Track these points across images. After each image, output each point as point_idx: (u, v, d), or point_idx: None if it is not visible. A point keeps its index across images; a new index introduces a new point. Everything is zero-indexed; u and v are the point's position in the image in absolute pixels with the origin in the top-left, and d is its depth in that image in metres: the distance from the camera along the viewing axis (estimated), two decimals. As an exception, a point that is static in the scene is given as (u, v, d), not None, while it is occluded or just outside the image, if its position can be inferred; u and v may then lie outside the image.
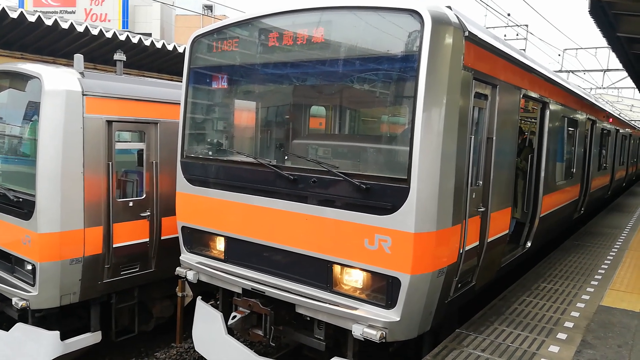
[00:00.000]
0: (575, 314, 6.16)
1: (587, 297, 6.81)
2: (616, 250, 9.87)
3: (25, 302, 6.18)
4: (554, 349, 5.11)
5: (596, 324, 5.87)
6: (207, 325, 6.20)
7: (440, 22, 4.44)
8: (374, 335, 4.51)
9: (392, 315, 4.60)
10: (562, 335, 5.46)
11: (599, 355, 5.03)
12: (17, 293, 6.28)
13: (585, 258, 9.08)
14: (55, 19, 8.88)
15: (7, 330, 6.45)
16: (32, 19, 8.52)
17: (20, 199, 6.37)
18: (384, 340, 4.54)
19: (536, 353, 5.00)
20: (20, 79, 6.75)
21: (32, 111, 6.46)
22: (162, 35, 37.29)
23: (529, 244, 7.86)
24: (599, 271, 8.19)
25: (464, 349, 5.05)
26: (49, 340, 6.38)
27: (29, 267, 6.31)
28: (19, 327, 6.42)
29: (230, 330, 5.90)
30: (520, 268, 8.23)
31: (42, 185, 6.07)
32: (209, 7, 44.46)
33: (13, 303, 6.21)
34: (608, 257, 9.19)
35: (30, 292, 6.23)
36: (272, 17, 5.48)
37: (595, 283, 7.51)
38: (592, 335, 5.51)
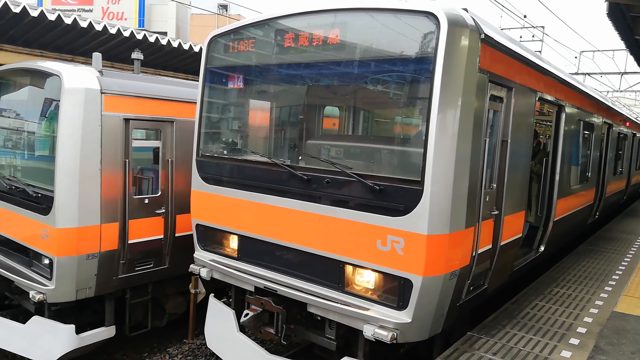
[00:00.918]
0: (589, 319, 6.11)
1: (601, 303, 6.75)
2: (631, 256, 9.74)
3: (42, 295, 6.29)
4: (566, 354, 5.08)
5: (609, 330, 5.82)
6: (220, 322, 6.26)
7: (456, 25, 4.45)
8: (385, 336, 4.53)
9: (404, 316, 4.61)
10: (574, 341, 5.42)
11: (612, 361, 5.00)
12: (35, 286, 6.40)
13: (600, 263, 8.98)
14: (75, 17, 9.02)
15: (24, 322, 6.58)
16: (52, 17, 8.66)
17: (39, 195, 6.49)
18: (395, 342, 4.55)
19: (548, 358, 4.97)
20: (40, 77, 6.88)
21: (52, 108, 6.58)
22: (178, 34, 37.61)
23: (542, 248, 7.81)
24: (613, 277, 8.10)
25: (475, 352, 5.04)
26: (64, 334, 6.49)
27: (47, 261, 6.42)
28: (36, 320, 6.55)
29: (242, 328, 5.95)
30: (534, 272, 8.18)
31: (61, 181, 6.18)
32: (224, 7, 44.70)
33: (30, 296, 6.33)
34: (622, 263, 9.08)
35: (47, 285, 6.34)
36: (288, 18, 5.53)
37: (609, 289, 7.43)
38: (605, 341, 5.46)
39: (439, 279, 4.59)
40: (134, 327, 7.48)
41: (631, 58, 12.85)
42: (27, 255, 6.85)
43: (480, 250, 5.24)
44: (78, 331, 6.61)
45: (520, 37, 21.88)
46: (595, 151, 10.49)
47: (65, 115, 6.18)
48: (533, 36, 22.83)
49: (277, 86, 6.27)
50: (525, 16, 20.97)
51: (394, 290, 4.70)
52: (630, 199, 18.73)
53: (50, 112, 6.67)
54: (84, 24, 9.09)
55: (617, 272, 8.44)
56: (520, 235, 6.54)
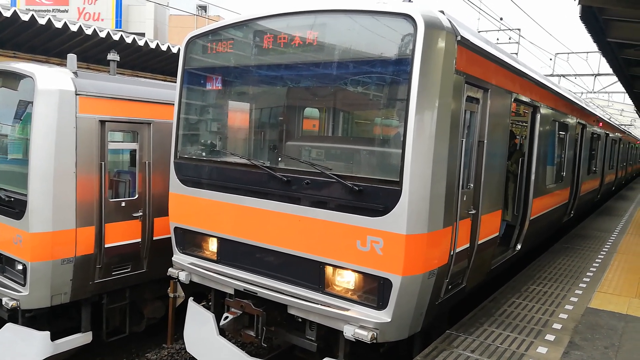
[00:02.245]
0: (564, 315, 6.24)
1: (576, 300, 6.90)
2: (604, 253, 9.99)
3: (15, 302, 6.14)
4: (542, 350, 5.17)
5: (584, 325, 5.95)
6: (199, 326, 6.20)
7: (433, 27, 4.50)
8: (365, 336, 4.54)
9: (383, 316, 4.64)
10: (550, 337, 5.53)
11: (586, 356, 5.11)
12: (8, 293, 6.25)
13: (574, 261, 9.18)
14: (49, 18, 8.84)
15: (-3, 330, 6.42)
16: (25, 17, 8.47)
17: (12, 199, 6.34)
18: (375, 341, 4.57)
19: (524, 354, 5.06)
20: (13, 78, 6.72)
21: (25, 110, 6.44)
22: (156, 35, 37.15)
23: (519, 247, 7.94)
24: (588, 274, 8.29)
25: (454, 350, 5.10)
26: (39, 341, 6.34)
27: (20, 267, 6.28)
28: (9, 327, 6.39)
29: (222, 331, 5.91)
30: (511, 270, 8.31)
31: (34, 185, 6.05)
32: (203, 8, 44.38)
33: (3, 303, 6.19)
34: (596, 260, 9.30)
35: (20, 292, 6.20)
36: (267, 19, 5.51)
37: (584, 285, 7.60)
38: (579, 337, 5.58)
39: (418, 278, 4.63)
40: (111, 332, 7.36)
41: (604, 60, 13.17)
42: (0, 261, 6.68)
43: (458, 249, 5.30)
44: (54, 338, 6.47)
45: (497, 39, 22.29)
46: (569, 151, 10.72)
47: (39, 117, 6.05)
48: (510, 38, 23.27)
49: (256, 87, 6.25)
50: (501, 19, 21.37)
51: (374, 290, 4.72)
52: (603, 197, 19.19)
53: (23, 114, 6.53)
54: (58, 25, 8.92)
55: (591, 269, 8.64)
56: (497, 234, 6.64)
